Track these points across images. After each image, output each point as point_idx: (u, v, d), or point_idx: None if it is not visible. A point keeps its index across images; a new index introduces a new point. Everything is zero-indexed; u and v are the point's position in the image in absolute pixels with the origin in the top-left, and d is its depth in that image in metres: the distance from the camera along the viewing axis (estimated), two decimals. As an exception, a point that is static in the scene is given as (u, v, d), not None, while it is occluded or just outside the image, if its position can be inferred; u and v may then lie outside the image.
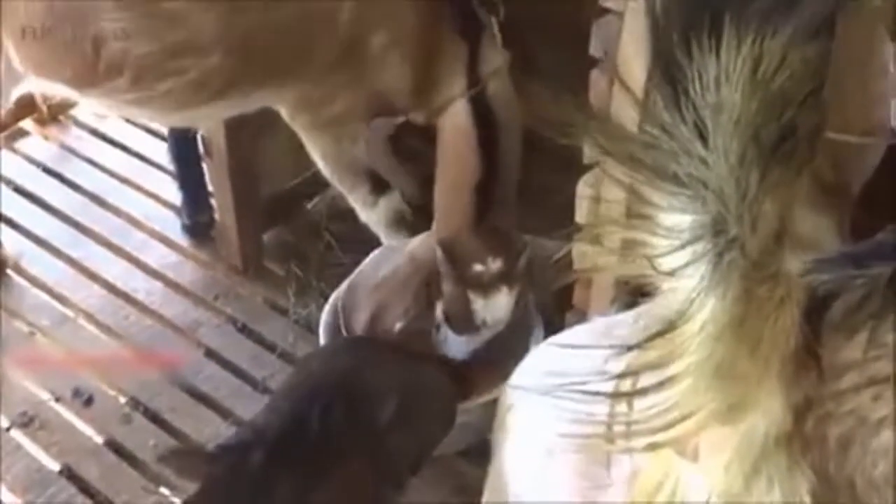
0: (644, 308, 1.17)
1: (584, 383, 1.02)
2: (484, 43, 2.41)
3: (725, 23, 0.88)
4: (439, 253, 2.42)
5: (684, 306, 0.94)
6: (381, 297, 2.52)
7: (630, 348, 0.98)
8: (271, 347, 2.94)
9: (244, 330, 3.01)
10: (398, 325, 2.47)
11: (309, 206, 3.28)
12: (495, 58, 2.43)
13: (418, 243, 2.54)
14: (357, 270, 2.61)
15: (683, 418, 1.01)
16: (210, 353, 2.93)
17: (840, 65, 0.97)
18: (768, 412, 1.02)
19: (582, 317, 2.37)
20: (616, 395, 1.02)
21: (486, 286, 2.43)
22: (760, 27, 0.88)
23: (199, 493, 1.74)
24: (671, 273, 0.94)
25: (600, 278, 2.38)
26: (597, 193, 2.28)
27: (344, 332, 2.52)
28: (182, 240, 3.29)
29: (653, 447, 1.05)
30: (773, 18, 0.87)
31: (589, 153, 2.22)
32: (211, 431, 2.68)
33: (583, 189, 2.27)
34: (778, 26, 0.87)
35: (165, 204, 3.39)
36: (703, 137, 0.90)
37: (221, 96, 2.31)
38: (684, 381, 0.98)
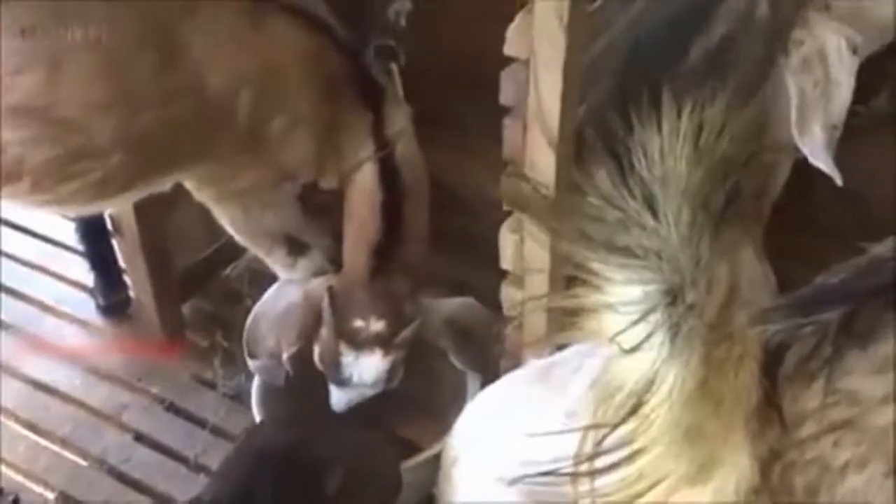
0: (591, 369, 1.17)
1: (551, 470, 1.01)
2: (387, 105, 2.43)
3: (663, 94, 0.88)
4: (325, 299, 2.43)
5: (647, 378, 0.94)
6: (278, 331, 2.51)
7: (609, 429, 0.97)
8: (202, 423, 2.86)
9: (172, 408, 2.92)
10: (285, 356, 2.46)
11: (227, 272, 3.22)
12: (400, 118, 2.45)
13: (316, 284, 2.54)
14: (260, 302, 2.59)
15: (653, 486, 1.00)
16: (139, 437, 2.84)
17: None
18: (736, 468, 1.03)
19: (516, 361, 2.37)
20: (585, 475, 1.01)
21: (360, 343, 2.45)
22: (698, 95, 0.89)
23: None
24: (633, 351, 0.93)
25: (532, 320, 2.39)
26: (520, 238, 2.30)
27: (248, 360, 2.52)
28: (99, 321, 3.18)
29: (624, 518, 1.04)
30: (709, 84, 0.88)
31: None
32: (149, 520, 2.60)
33: (505, 235, 2.28)
34: (715, 91, 0.88)
35: (77, 285, 3.28)
36: (652, 209, 0.90)
37: (127, 189, 2.31)
38: (653, 450, 0.97)
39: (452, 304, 2.60)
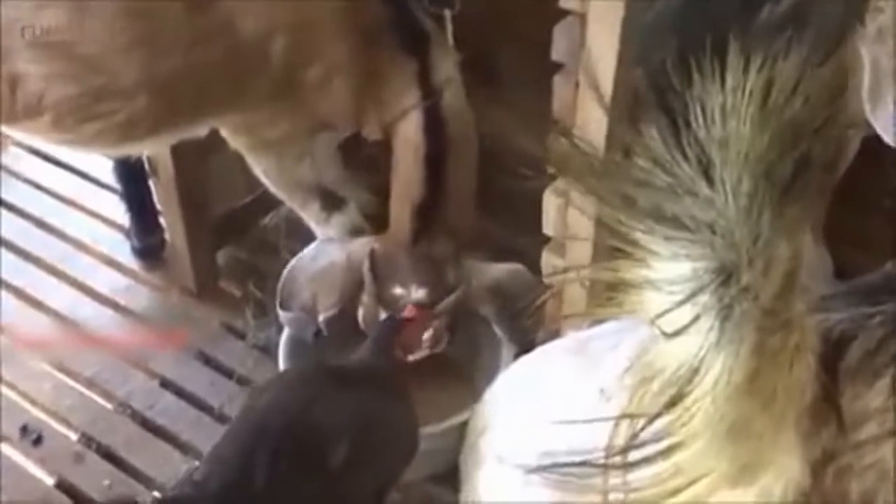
0: (629, 347, 1.07)
1: (584, 459, 0.91)
2: (433, 51, 2.32)
3: (730, 43, 0.77)
4: (366, 264, 2.36)
5: (691, 366, 0.84)
6: (315, 287, 2.44)
7: (645, 422, 0.87)
8: (229, 373, 2.80)
9: (200, 356, 2.87)
10: (322, 316, 2.39)
11: (264, 222, 3.15)
12: (447, 66, 2.35)
13: (359, 245, 2.46)
14: (299, 255, 2.53)
15: (691, 484, 0.90)
16: (165, 383, 2.79)
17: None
18: (784, 470, 0.92)
19: (554, 333, 2.28)
20: (618, 467, 0.91)
21: (400, 311, 2.36)
22: (770, 47, 0.77)
23: None
24: (676, 334, 0.83)
25: (571, 290, 2.29)
26: (564, 202, 2.19)
27: (280, 312, 2.45)
28: (132, 263, 3.13)
29: (657, 516, 0.95)
30: (784, 35, 0.76)
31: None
32: (169, 468, 2.54)
33: (549, 198, 2.17)
34: (791, 44, 0.77)
35: (113, 225, 3.23)
36: (707, 175, 0.79)
37: (154, 133, 2.23)
38: (693, 445, 0.87)
39: (499, 270, 2.50)
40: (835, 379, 0.92)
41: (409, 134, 2.34)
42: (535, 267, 2.22)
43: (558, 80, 2.05)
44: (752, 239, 0.81)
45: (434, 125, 2.32)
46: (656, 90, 0.81)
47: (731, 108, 0.79)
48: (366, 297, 2.39)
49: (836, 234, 2.18)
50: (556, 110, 2.06)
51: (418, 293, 2.38)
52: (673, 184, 0.81)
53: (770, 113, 0.79)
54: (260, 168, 2.49)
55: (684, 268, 0.83)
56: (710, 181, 0.81)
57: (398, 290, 2.38)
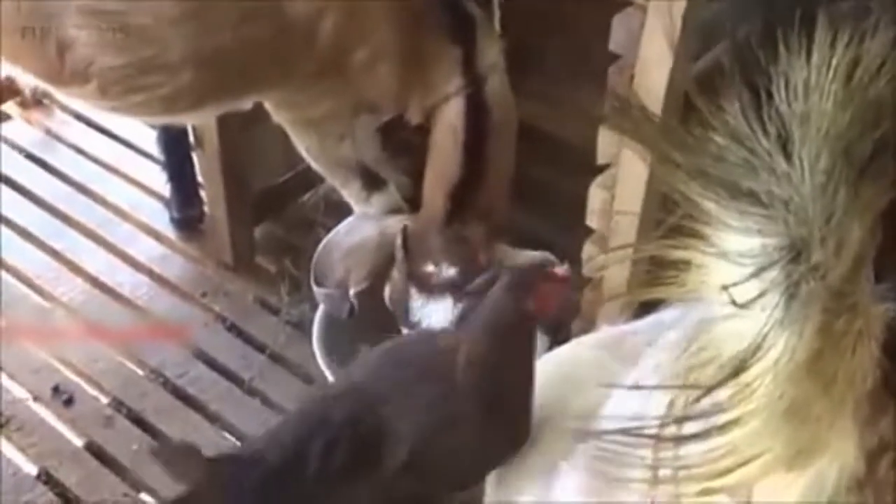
0: (669, 343, 1.06)
1: (639, 427, 0.90)
2: (479, 37, 2.31)
3: (818, 18, 0.76)
4: (399, 240, 2.35)
5: (754, 341, 0.83)
6: (349, 262, 2.45)
7: (703, 391, 0.86)
8: (261, 347, 2.82)
9: (233, 329, 2.88)
10: (353, 291, 2.39)
11: (303, 200, 3.16)
12: (492, 52, 2.34)
13: (393, 222, 2.47)
14: (333, 231, 2.55)
15: (745, 463, 0.90)
16: (197, 354, 2.81)
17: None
18: (839, 456, 0.91)
19: (589, 325, 2.27)
20: (670, 439, 0.91)
21: (430, 289, 2.37)
22: (858, 24, 0.77)
23: (184, 498, 1.60)
24: (743, 306, 0.82)
25: (609, 283, 2.27)
26: (611, 196, 2.18)
27: (314, 287, 2.46)
28: (170, 233, 3.15)
29: (706, 493, 0.94)
30: (873, 13, 0.76)
31: (604, 153, 2.14)
32: (197, 436, 2.56)
33: (596, 191, 2.16)
34: (879, 23, 0.76)
35: (154, 194, 3.26)
36: (785, 151, 0.79)
37: (197, 107, 2.26)
38: (750, 423, 0.87)
39: (528, 257, 2.50)
40: (896, 368, 0.91)
41: (451, 119, 2.33)
42: (563, 258, 2.22)
43: (613, 72, 2.05)
44: (825, 217, 0.80)
45: (475, 111, 2.32)
46: (741, 63, 0.81)
47: (815, 84, 0.78)
48: (395, 273, 2.39)
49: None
50: (608, 102, 2.05)
51: (449, 272, 2.37)
52: (750, 158, 0.81)
53: (853, 91, 0.78)
54: (302, 144, 2.50)
55: (754, 242, 0.83)
56: (787, 157, 0.80)
57: (430, 268, 2.38)
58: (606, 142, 2.07)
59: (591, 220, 2.21)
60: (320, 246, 2.48)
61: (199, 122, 2.69)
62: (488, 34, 2.35)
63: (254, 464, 1.57)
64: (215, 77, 2.15)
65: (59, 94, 2.32)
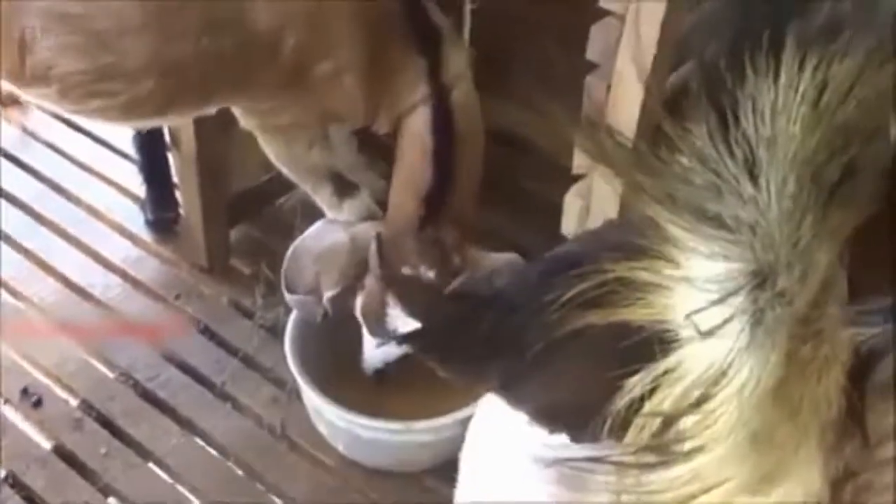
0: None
1: (601, 455, 0.89)
2: (445, 48, 2.31)
3: (787, 40, 0.75)
4: (373, 246, 2.34)
5: (719, 368, 0.82)
6: (319, 268, 2.44)
7: (666, 421, 0.85)
8: (234, 351, 2.79)
9: (206, 331, 2.85)
10: (326, 296, 2.39)
11: (280, 203, 3.13)
12: (459, 62, 2.34)
13: (363, 228, 2.46)
14: (303, 236, 2.52)
15: (708, 490, 0.88)
16: (168, 356, 2.78)
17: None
18: (803, 483, 0.90)
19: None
20: (633, 466, 0.89)
21: (409, 293, 2.33)
22: (827, 47, 0.75)
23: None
24: (708, 334, 0.81)
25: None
26: (586, 206, 2.17)
27: (286, 294, 2.44)
28: (145, 234, 3.12)
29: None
30: (842, 37, 0.74)
31: (580, 163, 2.13)
32: (167, 440, 2.53)
33: (572, 199, 2.15)
34: (848, 47, 0.75)
35: (129, 195, 3.22)
36: (752, 174, 0.78)
37: (158, 115, 2.26)
38: (714, 450, 0.86)
39: (499, 259, 2.50)
40: (862, 395, 0.90)
41: (418, 128, 2.34)
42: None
43: (590, 81, 2.03)
44: (791, 243, 0.79)
45: (442, 120, 2.32)
46: (707, 85, 0.79)
47: (782, 107, 0.77)
48: (370, 280, 2.37)
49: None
50: (585, 112, 2.04)
51: (427, 274, 2.36)
52: (717, 182, 0.79)
53: (821, 114, 0.77)
54: (271, 151, 2.49)
55: (720, 268, 0.81)
56: (754, 181, 0.79)
57: (407, 272, 2.36)
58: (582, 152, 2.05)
59: (567, 229, 2.20)
60: (289, 252, 2.47)
61: (173, 124, 2.67)
62: (455, 44, 2.35)
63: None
64: (175, 86, 2.15)
65: (24, 95, 2.29)
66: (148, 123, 2.45)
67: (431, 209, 2.35)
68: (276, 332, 2.73)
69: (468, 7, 2.41)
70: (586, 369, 1.02)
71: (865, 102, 0.77)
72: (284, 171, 2.53)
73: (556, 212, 2.15)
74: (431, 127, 2.30)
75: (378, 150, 2.65)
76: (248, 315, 2.87)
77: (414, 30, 2.25)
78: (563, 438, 1.20)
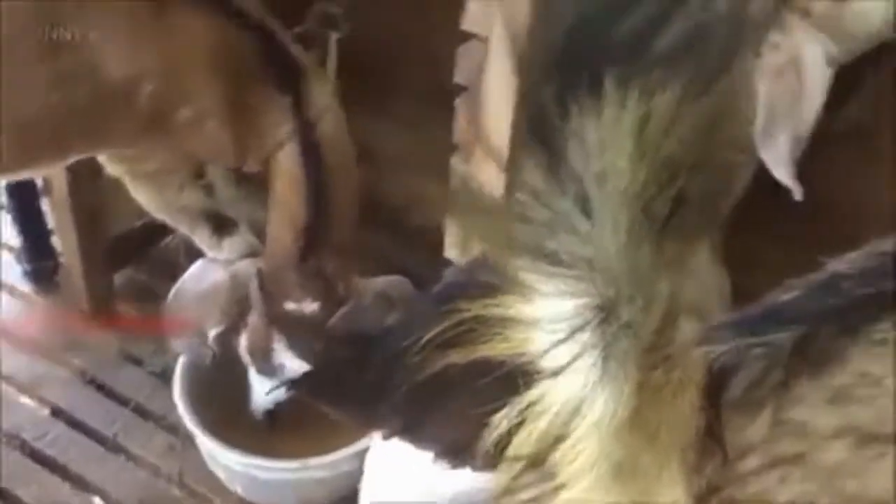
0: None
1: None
2: (309, 83, 2.29)
3: (606, 78, 0.76)
4: (254, 282, 2.31)
5: (573, 404, 0.82)
6: (201, 309, 2.40)
7: (526, 464, 0.85)
8: (125, 401, 2.71)
9: (93, 383, 2.77)
10: (211, 335, 2.35)
11: (164, 243, 3.06)
12: (323, 96, 2.32)
13: (243, 266, 2.42)
14: (182, 278, 2.48)
15: (575, 523, 0.89)
16: (56, 412, 2.69)
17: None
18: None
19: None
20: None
21: (293, 328, 2.33)
22: (647, 81, 0.76)
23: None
24: (558, 372, 0.81)
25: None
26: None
27: (171, 339, 2.43)
28: (24, 286, 3.02)
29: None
30: (660, 70, 0.75)
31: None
32: (59, 501, 2.45)
33: (452, 224, 2.15)
34: (667, 79, 0.76)
35: (4, 247, 3.11)
36: (585, 210, 0.78)
37: (16, 169, 2.19)
38: (578, 484, 0.86)
39: (383, 281, 2.50)
40: (718, 412, 0.91)
41: (286, 165, 2.31)
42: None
43: (459, 104, 2.04)
44: (630, 275, 0.80)
45: (310, 155, 2.30)
46: (537, 124, 0.80)
47: (609, 143, 0.78)
48: (254, 318, 2.34)
49: (736, 257, 2.21)
50: (456, 136, 2.04)
51: (311, 307, 2.34)
52: (552, 219, 0.80)
53: (645, 149, 0.78)
54: (141, 197, 2.43)
55: (567, 305, 0.82)
56: (588, 216, 0.79)
57: (290, 306, 2.33)
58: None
59: (450, 252, 2.20)
60: (170, 295, 2.42)
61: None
62: (318, 77, 2.33)
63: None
64: (27, 142, 2.07)
65: None
66: (10, 177, 2.37)
67: (310, 240, 2.32)
68: (165, 377, 2.67)
69: (334, 38, 2.39)
70: (464, 407, 1.02)
71: (688, 133, 0.78)
72: (158, 216, 2.47)
73: (438, 231, 2.16)
74: (301, 161, 2.27)
75: (260, 181, 2.61)
76: (138, 363, 2.80)
77: (273, 68, 2.22)
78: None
